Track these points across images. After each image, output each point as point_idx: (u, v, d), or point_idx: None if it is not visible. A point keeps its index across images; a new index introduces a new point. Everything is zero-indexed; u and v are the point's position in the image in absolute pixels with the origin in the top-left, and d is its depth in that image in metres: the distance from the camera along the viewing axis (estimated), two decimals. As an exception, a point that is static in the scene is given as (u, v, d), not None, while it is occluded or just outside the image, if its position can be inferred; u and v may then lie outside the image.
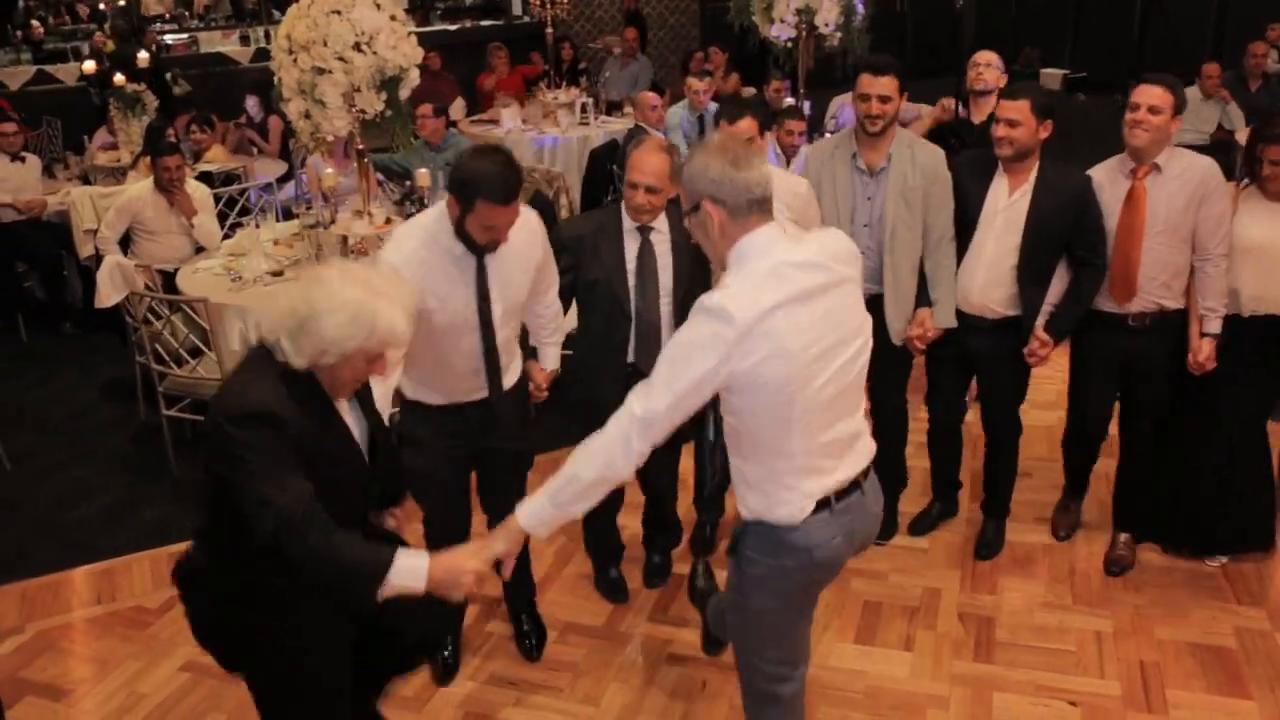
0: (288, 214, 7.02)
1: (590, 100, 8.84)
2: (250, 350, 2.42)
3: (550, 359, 3.70)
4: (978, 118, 5.46)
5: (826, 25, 6.41)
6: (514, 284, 3.25)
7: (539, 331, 3.66)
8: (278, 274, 5.49)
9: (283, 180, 8.14)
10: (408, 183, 6.04)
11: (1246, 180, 3.88)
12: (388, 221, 5.77)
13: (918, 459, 4.69)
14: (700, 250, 3.62)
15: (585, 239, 3.62)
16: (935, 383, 4.33)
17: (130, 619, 4.17)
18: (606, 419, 3.49)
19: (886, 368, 3.92)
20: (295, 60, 5.43)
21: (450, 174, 2.99)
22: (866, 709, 3.56)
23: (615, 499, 3.99)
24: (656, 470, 3.80)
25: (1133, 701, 3.56)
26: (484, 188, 2.90)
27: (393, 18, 5.55)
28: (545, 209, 7.00)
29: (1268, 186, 3.78)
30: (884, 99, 3.80)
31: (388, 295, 2.30)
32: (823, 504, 2.48)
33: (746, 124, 3.79)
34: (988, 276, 3.94)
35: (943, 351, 4.10)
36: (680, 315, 3.57)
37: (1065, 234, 3.86)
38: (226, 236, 6.40)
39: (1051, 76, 14.86)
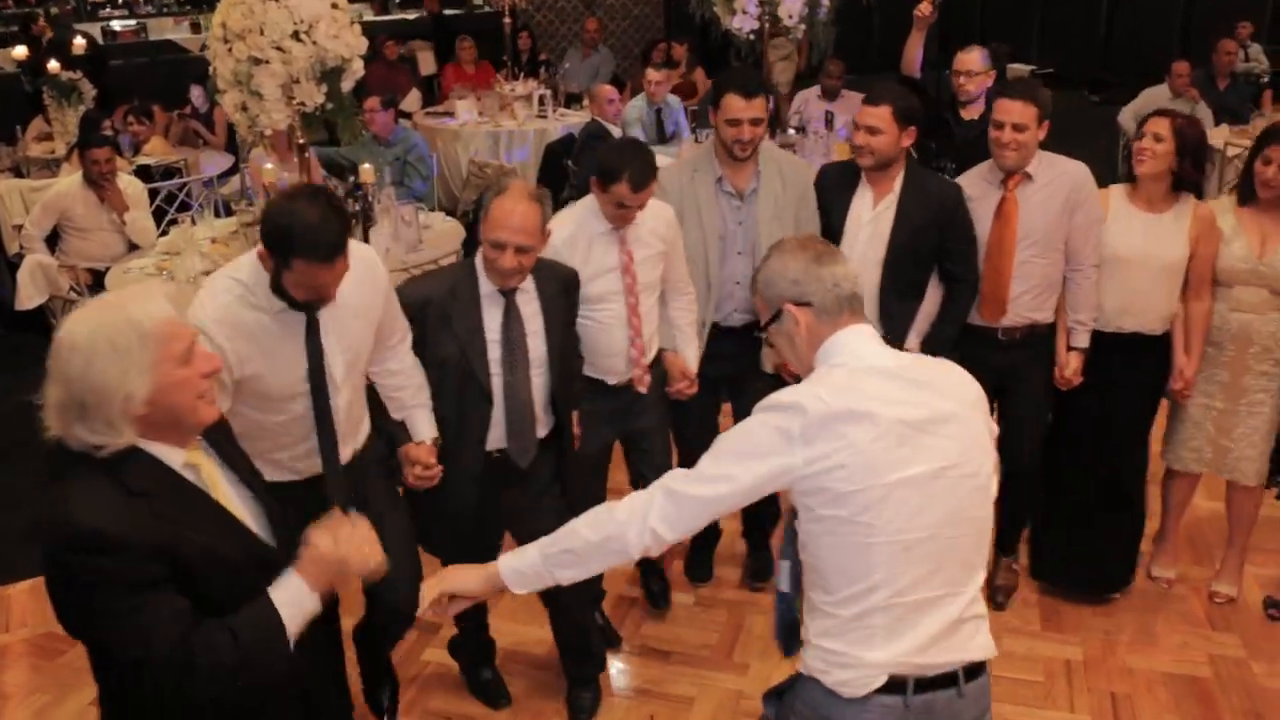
0: (231, 210, 6.72)
1: (549, 92, 8.58)
2: (57, 457, 1.83)
3: (425, 427, 3.04)
4: (968, 115, 5.22)
5: (790, 17, 6.19)
6: (353, 334, 2.73)
7: (399, 395, 3.03)
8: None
9: (229, 174, 7.83)
10: (351, 178, 5.77)
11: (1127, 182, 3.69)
12: (329, 220, 5.50)
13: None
14: (571, 309, 3.22)
15: (432, 305, 2.98)
16: None
17: (41, 647, 3.90)
18: (469, 524, 3.12)
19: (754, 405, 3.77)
20: (230, 50, 5.17)
21: (261, 222, 2.52)
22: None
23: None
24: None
25: (1103, 737, 3.39)
26: (301, 243, 2.41)
27: (334, 5, 5.25)
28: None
29: (1137, 170, 3.54)
30: (756, 122, 3.46)
31: (122, 301, 1.85)
32: (897, 685, 1.98)
33: (646, 195, 3.24)
34: None
35: None
36: (558, 387, 3.14)
37: (934, 247, 3.61)
38: (164, 234, 6.11)
39: (1018, 71, 14.75)
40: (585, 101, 8.59)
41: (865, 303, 3.53)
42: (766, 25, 6.33)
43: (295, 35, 5.08)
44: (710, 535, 4.12)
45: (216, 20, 5.22)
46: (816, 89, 7.53)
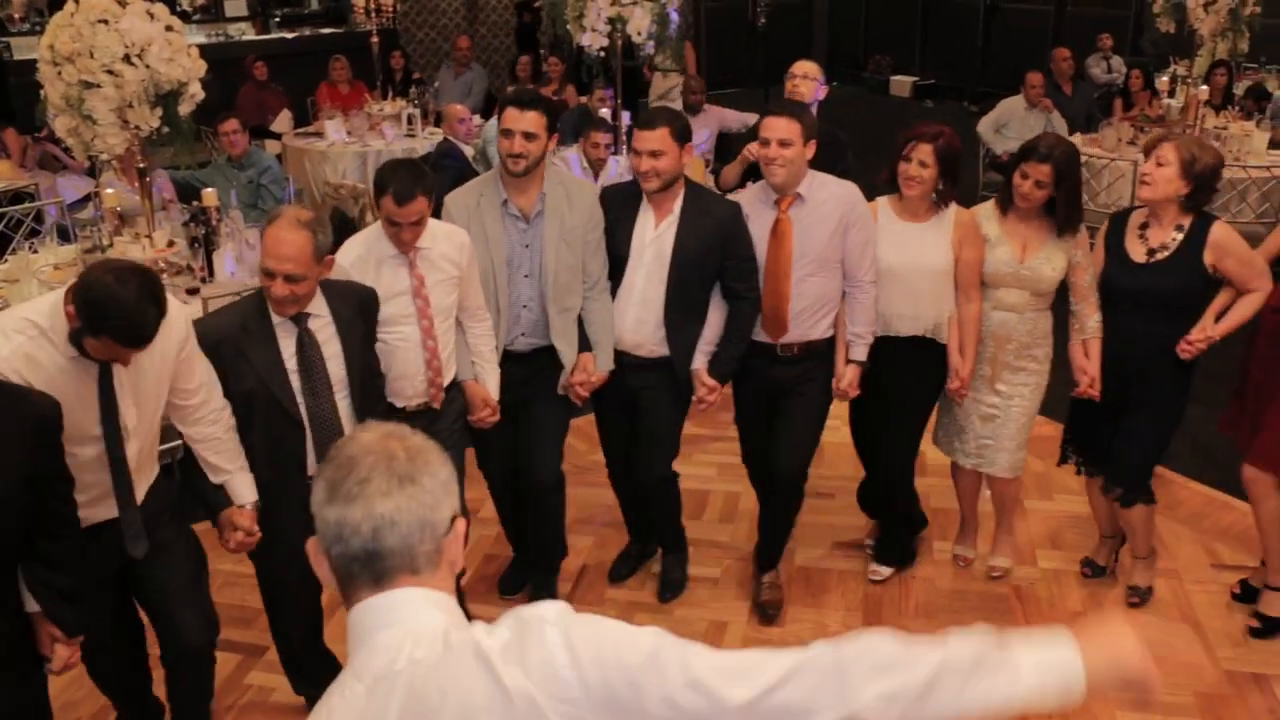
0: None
1: (418, 111, 8.54)
2: None
3: (245, 490, 3.01)
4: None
5: (639, 34, 6.26)
6: (148, 385, 2.74)
7: (216, 461, 2.97)
8: (47, 303, 5.10)
9: (88, 200, 7.66)
10: (194, 203, 5.69)
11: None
12: (170, 244, 5.44)
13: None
14: (370, 330, 3.17)
15: (225, 344, 2.95)
16: (603, 428, 4.04)
17: None
18: (293, 551, 3.07)
19: (543, 431, 3.76)
20: (60, 73, 5.08)
21: (77, 286, 2.48)
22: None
23: (317, 622, 3.42)
24: None
25: (911, 736, 3.45)
26: (114, 326, 2.44)
27: (169, 28, 5.20)
28: (348, 227, 6.71)
29: (905, 192, 3.71)
30: (529, 136, 3.42)
31: None
32: None
33: (412, 210, 3.17)
34: (640, 314, 3.69)
35: (607, 397, 3.83)
36: (361, 406, 3.10)
37: (716, 265, 3.66)
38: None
39: (901, 84, 15.12)
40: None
41: (646, 319, 3.67)
42: (620, 42, 6.41)
43: (127, 58, 5.02)
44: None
45: (44, 42, 5.17)
46: (678, 105, 7.62)
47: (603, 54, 6.38)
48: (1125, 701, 3.56)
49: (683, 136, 3.56)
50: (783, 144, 3.54)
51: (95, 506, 2.76)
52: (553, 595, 4.04)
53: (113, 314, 2.42)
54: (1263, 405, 3.73)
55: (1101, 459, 3.95)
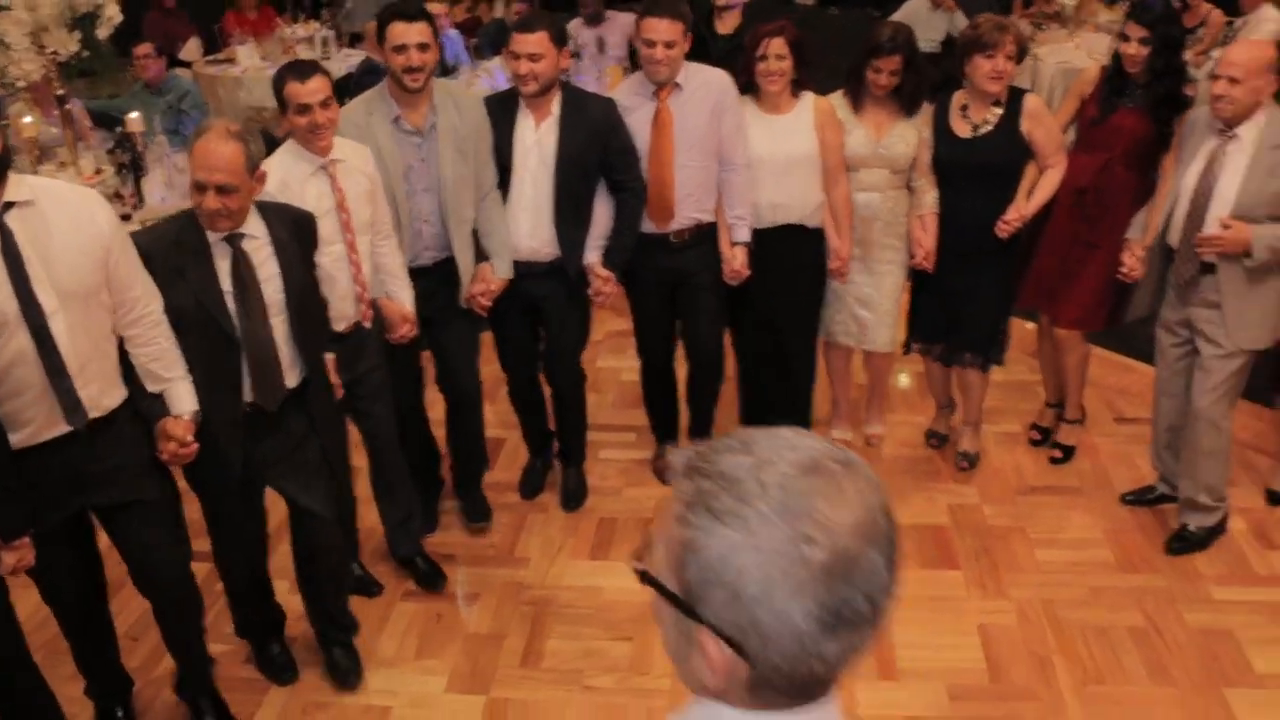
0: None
1: (332, 33, 8.48)
2: None
3: (185, 399, 2.90)
4: (723, 30, 5.39)
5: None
6: (66, 262, 2.59)
7: (153, 367, 2.85)
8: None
9: (-4, 134, 7.50)
10: (118, 129, 5.66)
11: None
12: (97, 172, 5.43)
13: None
14: (307, 252, 3.07)
15: (155, 259, 2.84)
16: (504, 337, 4.09)
17: None
18: (228, 473, 3.03)
19: (457, 344, 3.84)
20: (-32, -4, 5.02)
21: None
22: (600, 623, 3.61)
23: (259, 554, 3.39)
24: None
25: (852, 586, 3.74)
26: None
27: (82, -52, 5.15)
28: (275, 148, 6.70)
29: (767, 88, 3.87)
30: (424, 47, 3.43)
31: None
32: None
33: (316, 87, 3.20)
34: (533, 220, 3.79)
35: (507, 305, 3.89)
36: (299, 332, 3.04)
37: (597, 161, 3.77)
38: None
39: (805, -11, 15.18)
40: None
41: (540, 223, 3.76)
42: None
43: (39, -20, 4.97)
44: (432, 487, 4.19)
45: (-51, -35, 5.06)
46: (579, 19, 7.60)
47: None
48: (1042, 540, 3.92)
49: (560, 40, 3.64)
50: (668, 46, 3.66)
51: (36, 415, 2.65)
52: (484, 505, 4.16)
53: None
54: (1063, 279, 4.11)
55: (941, 333, 4.26)
